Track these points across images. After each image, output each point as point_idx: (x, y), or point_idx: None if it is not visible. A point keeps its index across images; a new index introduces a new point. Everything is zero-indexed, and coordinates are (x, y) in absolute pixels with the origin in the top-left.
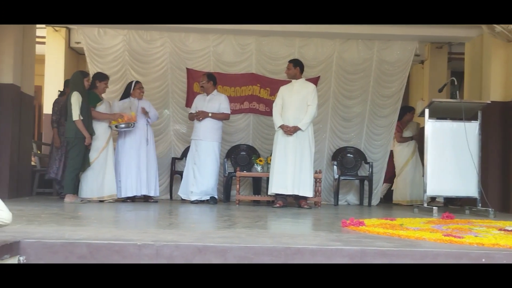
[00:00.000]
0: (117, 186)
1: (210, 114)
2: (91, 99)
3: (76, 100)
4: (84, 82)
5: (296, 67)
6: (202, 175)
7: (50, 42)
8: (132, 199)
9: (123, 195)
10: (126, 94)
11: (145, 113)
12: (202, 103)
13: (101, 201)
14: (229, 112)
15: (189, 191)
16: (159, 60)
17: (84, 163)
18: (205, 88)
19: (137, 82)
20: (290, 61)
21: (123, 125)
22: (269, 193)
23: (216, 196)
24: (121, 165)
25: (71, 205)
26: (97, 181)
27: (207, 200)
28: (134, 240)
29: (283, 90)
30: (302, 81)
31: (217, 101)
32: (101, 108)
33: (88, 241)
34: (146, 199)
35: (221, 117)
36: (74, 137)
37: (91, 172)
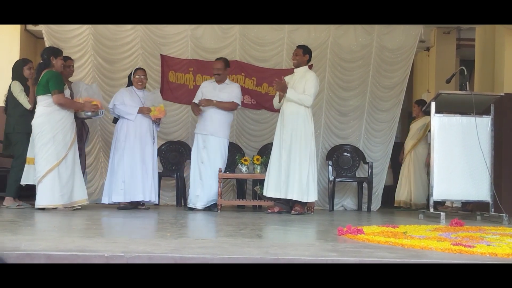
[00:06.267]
0: (114, 188)
1: (215, 101)
2: (57, 82)
3: (19, 88)
4: (24, 71)
5: (306, 54)
6: (210, 177)
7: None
8: (135, 205)
9: (125, 199)
10: (129, 83)
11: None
12: (212, 92)
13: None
14: (239, 102)
15: (195, 195)
16: (129, 45)
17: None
18: (221, 77)
19: (138, 68)
20: (300, 47)
21: (89, 113)
22: (263, 194)
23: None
24: (123, 163)
25: (32, 212)
26: (67, 184)
27: (208, 207)
28: (101, 251)
29: (286, 80)
30: (304, 69)
31: (229, 91)
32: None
33: (48, 253)
34: (135, 205)
35: (227, 106)
36: (15, 132)
37: (56, 174)
